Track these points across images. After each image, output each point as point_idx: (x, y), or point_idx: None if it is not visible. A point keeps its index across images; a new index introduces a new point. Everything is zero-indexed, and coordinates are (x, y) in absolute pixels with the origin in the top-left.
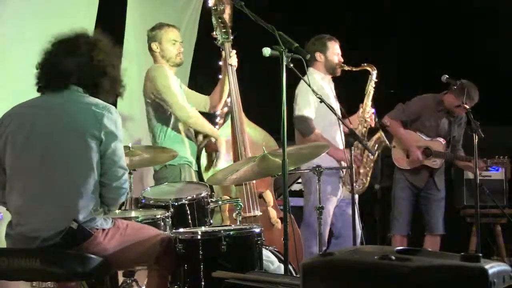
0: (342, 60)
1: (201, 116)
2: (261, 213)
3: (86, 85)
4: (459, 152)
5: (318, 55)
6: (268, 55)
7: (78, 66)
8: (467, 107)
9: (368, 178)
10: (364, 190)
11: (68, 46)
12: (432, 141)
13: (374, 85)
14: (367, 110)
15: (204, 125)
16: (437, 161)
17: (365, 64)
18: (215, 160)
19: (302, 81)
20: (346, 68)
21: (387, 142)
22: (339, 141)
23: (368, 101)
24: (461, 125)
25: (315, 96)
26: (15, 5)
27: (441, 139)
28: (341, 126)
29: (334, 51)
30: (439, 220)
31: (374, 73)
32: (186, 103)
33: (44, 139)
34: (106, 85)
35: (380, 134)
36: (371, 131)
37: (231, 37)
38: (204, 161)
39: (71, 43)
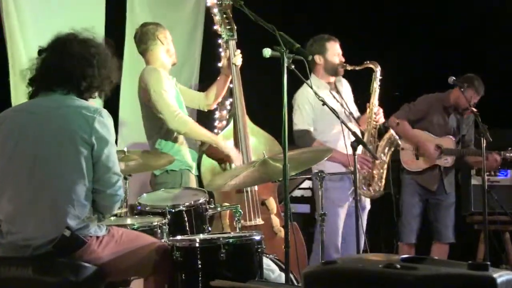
0: (343, 59)
1: (196, 124)
2: (263, 222)
3: (76, 88)
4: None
5: (318, 58)
6: (268, 56)
7: (69, 69)
8: (474, 100)
9: (383, 181)
10: (382, 193)
11: (58, 49)
12: (441, 138)
13: (379, 83)
14: (375, 110)
15: (200, 133)
16: (449, 159)
17: (368, 62)
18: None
19: (299, 90)
20: (349, 67)
21: (399, 141)
22: (343, 146)
23: (374, 100)
24: (469, 123)
25: (313, 103)
26: (23, 2)
27: (451, 136)
28: (346, 132)
29: (334, 51)
30: (448, 228)
31: (378, 70)
32: (180, 110)
33: (34, 144)
34: (96, 87)
35: (390, 132)
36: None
37: (236, 35)
38: (207, 167)
39: (62, 45)
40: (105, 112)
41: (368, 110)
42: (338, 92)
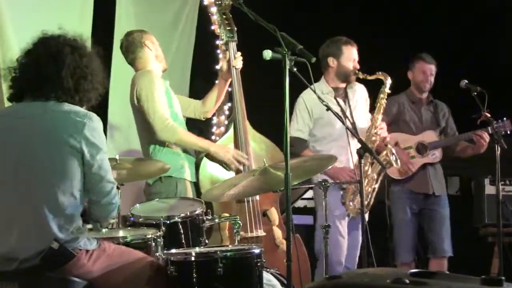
0: (358, 66)
1: (186, 133)
2: (264, 234)
3: (64, 93)
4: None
5: (331, 60)
6: (269, 58)
7: (57, 73)
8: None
9: (369, 200)
10: (359, 213)
11: (46, 51)
12: (422, 134)
13: (386, 97)
14: (377, 125)
15: (192, 142)
16: (436, 154)
17: (380, 73)
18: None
19: (300, 95)
20: (361, 76)
21: (394, 163)
22: (345, 159)
23: (378, 115)
24: (445, 115)
25: (312, 109)
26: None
27: (431, 131)
28: (350, 145)
29: (350, 56)
30: (444, 241)
31: (387, 83)
32: (170, 120)
33: (19, 150)
34: (85, 93)
35: (387, 151)
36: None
37: (236, 37)
38: (205, 175)
39: (53, 51)
40: (95, 117)
41: (369, 124)
42: (346, 99)
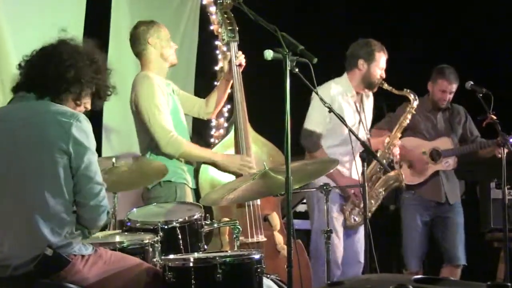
0: (384, 76)
1: (191, 145)
2: (265, 239)
3: (48, 81)
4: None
5: (361, 63)
6: (270, 59)
7: (42, 65)
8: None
9: (369, 214)
10: (361, 224)
11: (44, 53)
12: (437, 140)
13: (410, 117)
14: (395, 142)
15: (196, 155)
16: (450, 162)
17: (408, 91)
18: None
19: (323, 86)
20: (385, 87)
21: (403, 184)
22: (350, 166)
23: (399, 132)
24: (461, 120)
25: (333, 105)
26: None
27: (446, 137)
28: (356, 154)
29: (380, 64)
30: (458, 248)
31: (414, 103)
32: (174, 132)
33: (8, 155)
34: (73, 82)
35: (399, 171)
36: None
37: (238, 37)
38: (205, 179)
39: (48, 50)
40: (82, 117)
41: (386, 139)
42: (361, 106)
